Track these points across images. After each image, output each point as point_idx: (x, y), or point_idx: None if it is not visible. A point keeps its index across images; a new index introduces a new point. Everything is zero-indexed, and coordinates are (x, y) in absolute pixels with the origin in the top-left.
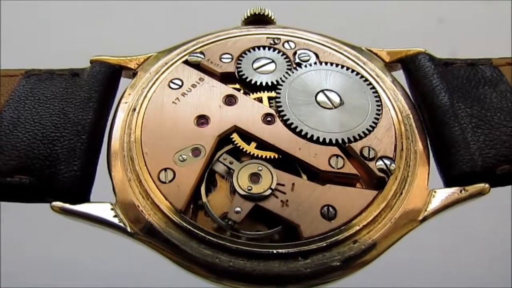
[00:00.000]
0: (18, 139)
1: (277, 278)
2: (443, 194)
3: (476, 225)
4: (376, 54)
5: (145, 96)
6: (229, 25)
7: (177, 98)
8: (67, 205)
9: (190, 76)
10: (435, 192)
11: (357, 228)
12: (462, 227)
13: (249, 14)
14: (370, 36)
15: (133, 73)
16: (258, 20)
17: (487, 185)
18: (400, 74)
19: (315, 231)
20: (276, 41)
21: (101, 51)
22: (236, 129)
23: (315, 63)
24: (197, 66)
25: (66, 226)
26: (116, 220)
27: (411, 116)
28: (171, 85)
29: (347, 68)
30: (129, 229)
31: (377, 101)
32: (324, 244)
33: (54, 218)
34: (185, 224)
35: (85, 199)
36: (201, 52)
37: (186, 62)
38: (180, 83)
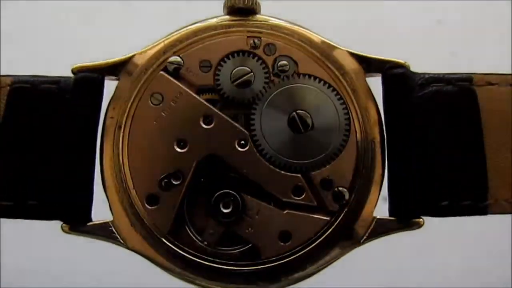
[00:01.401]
0: (22, 166)
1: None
2: (383, 223)
3: (476, 225)
4: (359, 59)
5: (129, 113)
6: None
7: (159, 117)
8: (74, 227)
9: (170, 89)
10: (378, 219)
11: (307, 249)
12: (462, 228)
13: (231, 4)
14: (370, 36)
15: (116, 78)
16: (243, 9)
17: (422, 220)
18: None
19: (271, 253)
20: (256, 42)
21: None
22: (212, 153)
23: (293, 75)
24: (176, 74)
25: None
26: (115, 237)
27: (376, 140)
28: (152, 100)
29: (324, 83)
30: (127, 245)
31: (346, 124)
32: (277, 263)
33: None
34: (169, 245)
35: (88, 218)
36: (180, 56)
37: (165, 70)
38: (160, 98)
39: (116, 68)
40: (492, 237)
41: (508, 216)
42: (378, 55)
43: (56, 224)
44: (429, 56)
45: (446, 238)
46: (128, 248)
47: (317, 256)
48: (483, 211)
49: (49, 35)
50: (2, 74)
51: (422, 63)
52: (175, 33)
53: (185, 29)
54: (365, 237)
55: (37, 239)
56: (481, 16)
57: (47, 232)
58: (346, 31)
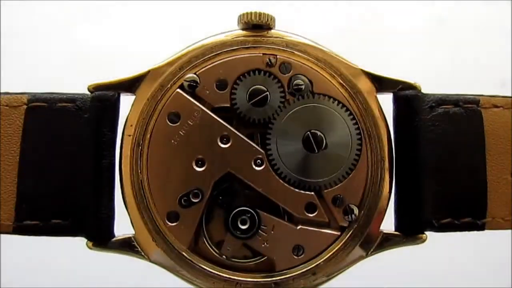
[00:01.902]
0: (50, 184)
1: None
2: (390, 237)
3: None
4: (371, 79)
5: (146, 130)
6: (225, 28)
7: (176, 135)
8: (99, 244)
9: (187, 108)
10: (384, 234)
11: (318, 261)
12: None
13: (246, 20)
14: (369, 36)
15: (131, 93)
16: (257, 25)
17: (425, 235)
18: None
19: (286, 265)
20: (272, 60)
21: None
22: (229, 172)
23: (307, 94)
24: (192, 92)
25: None
26: (138, 251)
27: (385, 159)
28: (170, 119)
29: (338, 102)
30: (150, 258)
31: (358, 144)
32: (290, 275)
33: None
34: (190, 259)
35: (111, 235)
36: (197, 75)
37: (181, 88)
38: (178, 117)
39: (133, 85)
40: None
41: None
42: (389, 74)
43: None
44: (429, 56)
45: (446, 238)
46: (150, 261)
47: (327, 267)
48: (481, 228)
49: (48, 34)
50: (16, 91)
51: (422, 62)
52: (191, 49)
53: (200, 44)
54: (372, 250)
55: (37, 239)
56: (481, 16)
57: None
58: (347, 30)
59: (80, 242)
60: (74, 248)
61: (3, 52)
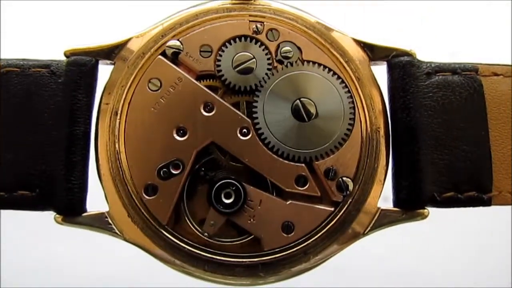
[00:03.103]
0: (19, 152)
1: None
2: (388, 214)
3: (476, 225)
4: (363, 47)
5: (125, 99)
6: None
7: (157, 103)
8: (68, 218)
9: (169, 74)
10: (382, 211)
11: (310, 241)
12: (462, 228)
13: None
14: (369, 36)
15: (111, 63)
16: None
17: (427, 211)
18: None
19: (274, 244)
20: (259, 27)
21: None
22: (213, 142)
23: (297, 61)
24: (174, 58)
25: (64, 228)
26: (111, 228)
27: (381, 129)
28: (150, 86)
29: (329, 70)
30: (124, 236)
31: (351, 113)
32: (279, 255)
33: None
34: (168, 238)
35: (82, 209)
36: (180, 41)
37: (163, 54)
38: (158, 83)
39: (112, 52)
40: (492, 237)
41: (508, 216)
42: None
43: (55, 225)
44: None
45: (446, 238)
46: (125, 239)
47: (320, 247)
48: (487, 203)
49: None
50: None
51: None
52: (174, 16)
53: (185, 11)
54: (369, 228)
55: (37, 239)
56: (481, 16)
57: (47, 231)
58: (347, 30)
59: (80, 242)
60: (74, 248)
61: (3, 52)
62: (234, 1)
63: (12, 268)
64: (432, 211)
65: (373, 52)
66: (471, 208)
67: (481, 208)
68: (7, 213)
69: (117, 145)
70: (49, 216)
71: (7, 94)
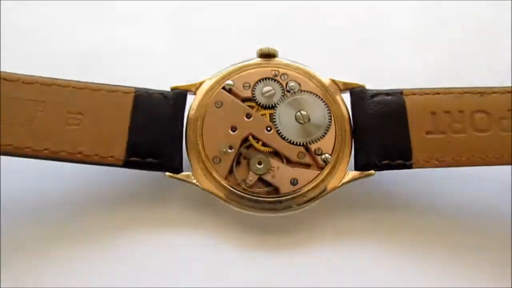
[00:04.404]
0: (148, 137)
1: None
2: (351, 174)
3: (476, 225)
4: (336, 83)
5: (202, 112)
6: (248, 57)
7: (220, 114)
8: (173, 174)
9: (226, 99)
10: (348, 173)
11: (307, 189)
12: (462, 228)
13: (261, 52)
14: (370, 36)
15: (194, 93)
16: (267, 54)
17: (373, 172)
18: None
19: (286, 190)
20: (276, 73)
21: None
22: (251, 134)
23: (298, 91)
24: (229, 90)
25: (64, 227)
26: (195, 183)
27: (347, 129)
28: (216, 105)
29: (317, 95)
30: (201, 186)
31: (329, 119)
32: (289, 197)
33: (52, 219)
34: (226, 185)
35: (180, 170)
36: (232, 81)
37: (223, 88)
38: (220, 103)
39: (194, 87)
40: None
41: (508, 215)
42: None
43: (56, 223)
44: (429, 56)
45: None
46: (202, 188)
47: (312, 192)
48: (409, 167)
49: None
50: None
51: (422, 62)
52: (229, 67)
53: (236, 65)
54: (341, 182)
55: (37, 239)
56: (481, 16)
57: (47, 232)
58: (347, 30)
59: (78, 242)
60: (74, 248)
61: (3, 52)
62: (261, 60)
63: (12, 266)
64: (431, 210)
65: (343, 85)
66: (471, 208)
67: (481, 208)
68: (7, 213)
69: (197, 138)
70: (49, 215)
71: (139, 106)
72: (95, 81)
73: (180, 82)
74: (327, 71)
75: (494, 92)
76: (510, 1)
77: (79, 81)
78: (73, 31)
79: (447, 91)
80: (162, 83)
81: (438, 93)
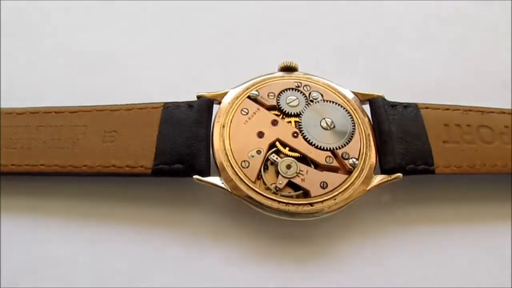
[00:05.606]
0: (175, 144)
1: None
2: (378, 178)
3: (476, 225)
4: (356, 94)
5: (228, 118)
6: (271, 70)
7: (246, 120)
8: (201, 178)
9: (252, 107)
10: (375, 177)
11: (336, 193)
12: (462, 227)
13: (283, 65)
14: (370, 36)
15: (218, 102)
16: (289, 68)
17: (400, 175)
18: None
19: (316, 194)
20: (299, 84)
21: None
22: (278, 140)
23: (321, 100)
24: (255, 100)
25: (65, 227)
26: (223, 187)
27: (370, 135)
28: (242, 112)
29: (339, 105)
30: (229, 190)
31: (352, 126)
32: (320, 199)
33: (53, 220)
34: (256, 189)
35: (209, 174)
36: (257, 91)
37: (249, 97)
38: (246, 111)
39: (220, 96)
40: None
41: (508, 215)
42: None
43: (56, 223)
44: (429, 56)
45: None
46: (230, 192)
47: (342, 196)
48: (432, 172)
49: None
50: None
51: (422, 62)
52: (255, 79)
53: (260, 77)
54: (370, 186)
55: (37, 239)
56: (481, 16)
57: (46, 231)
58: (347, 30)
59: (78, 242)
60: (73, 247)
61: (3, 52)
62: (284, 73)
63: (12, 267)
64: (434, 213)
65: (362, 96)
66: (471, 210)
67: (481, 208)
68: (7, 213)
69: (224, 143)
70: (49, 216)
71: (167, 117)
72: (108, 82)
73: (195, 82)
74: (342, 81)
75: (492, 112)
76: None
77: (114, 104)
78: (86, 32)
79: (455, 108)
80: (176, 83)
81: (447, 109)
